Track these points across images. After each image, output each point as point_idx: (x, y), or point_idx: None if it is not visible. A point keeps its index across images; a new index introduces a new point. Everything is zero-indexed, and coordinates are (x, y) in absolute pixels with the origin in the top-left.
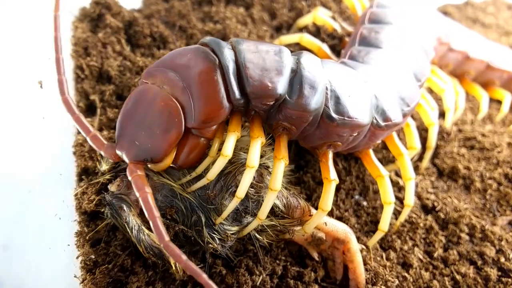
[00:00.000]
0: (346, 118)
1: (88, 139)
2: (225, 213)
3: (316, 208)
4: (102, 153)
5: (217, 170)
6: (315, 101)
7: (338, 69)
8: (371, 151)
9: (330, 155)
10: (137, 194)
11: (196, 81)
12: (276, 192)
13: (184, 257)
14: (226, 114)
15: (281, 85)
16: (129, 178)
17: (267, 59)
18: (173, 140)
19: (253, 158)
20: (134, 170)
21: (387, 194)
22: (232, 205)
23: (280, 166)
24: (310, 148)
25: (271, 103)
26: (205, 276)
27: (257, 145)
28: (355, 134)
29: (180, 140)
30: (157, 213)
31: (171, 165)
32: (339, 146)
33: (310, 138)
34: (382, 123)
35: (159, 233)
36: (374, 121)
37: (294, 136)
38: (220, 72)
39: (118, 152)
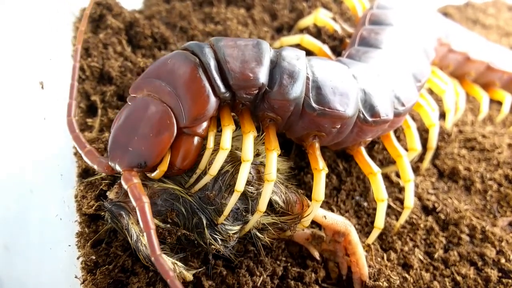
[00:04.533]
0: (326, 109)
1: (82, 154)
2: (227, 210)
3: None
4: (95, 167)
5: (219, 165)
6: (294, 90)
7: (325, 64)
8: (362, 149)
9: (317, 145)
10: (134, 204)
11: (181, 82)
12: (272, 182)
13: (171, 273)
14: (214, 109)
15: (262, 74)
16: (125, 187)
17: (246, 52)
18: (166, 142)
19: (247, 151)
20: (129, 179)
21: (380, 191)
22: (232, 200)
23: (273, 157)
24: (296, 139)
25: (255, 92)
26: None
27: (249, 139)
28: (338, 126)
29: (174, 143)
30: (152, 226)
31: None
32: (324, 138)
33: (295, 129)
34: (370, 119)
35: (152, 246)
36: (361, 115)
37: (280, 127)
38: (202, 69)
39: (110, 163)
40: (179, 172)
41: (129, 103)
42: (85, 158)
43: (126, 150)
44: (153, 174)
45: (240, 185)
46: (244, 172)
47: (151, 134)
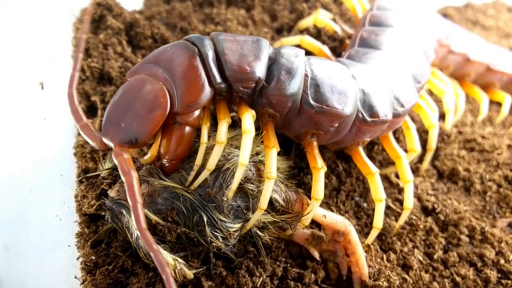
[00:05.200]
0: (324, 107)
1: (78, 127)
2: (234, 184)
3: None
4: (90, 141)
5: (216, 159)
6: (291, 86)
7: (324, 63)
8: (360, 149)
9: (315, 144)
10: (123, 178)
11: (178, 69)
12: (272, 180)
13: (155, 246)
14: (208, 98)
15: (259, 69)
16: (115, 161)
17: (245, 47)
18: (158, 119)
19: (247, 125)
20: (119, 153)
21: (378, 191)
22: (238, 175)
23: (273, 154)
24: (295, 137)
25: (252, 86)
26: (168, 271)
27: (248, 117)
28: (336, 125)
29: (166, 132)
30: (139, 200)
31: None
32: (322, 136)
33: (293, 126)
34: (369, 119)
35: (137, 219)
36: (360, 115)
37: (279, 124)
38: (200, 59)
39: (103, 138)
40: (173, 164)
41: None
42: (80, 132)
43: (119, 126)
44: (145, 158)
45: (245, 158)
46: (247, 144)
47: (143, 111)
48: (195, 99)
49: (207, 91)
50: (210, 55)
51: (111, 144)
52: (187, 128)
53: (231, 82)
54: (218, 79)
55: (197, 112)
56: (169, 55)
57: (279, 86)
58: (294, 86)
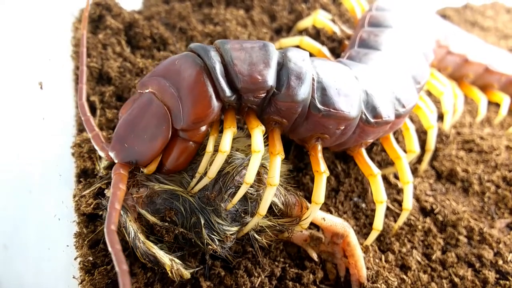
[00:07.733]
0: (331, 110)
1: (90, 136)
2: (236, 198)
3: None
4: (99, 151)
5: (217, 167)
6: (302, 91)
7: (328, 64)
8: (363, 150)
9: (319, 148)
10: (111, 189)
11: (184, 85)
12: (274, 187)
13: (118, 246)
14: (215, 114)
15: (270, 77)
16: (112, 174)
17: (253, 54)
18: (159, 147)
19: (257, 144)
20: (118, 169)
21: (379, 193)
22: (241, 191)
23: (277, 161)
24: (299, 141)
25: (263, 95)
26: (125, 267)
27: (257, 133)
28: (342, 128)
29: (169, 145)
30: (117, 207)
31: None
32: (327, 139)
33: (299, 131)
34: (372, 120)
35: (109, 220)
36: (363, 116)
37: (286, 130)
38: (206, 74)
39: (110, 152)
40: (169, 172)
41: (137, 97)
42: (92, 141)
43: (123, 145)
44: (144, 170)
45: (251, 177)
46: (256, 163)
47: (145, 136)
48: (201, 117)
49: (214, 107)
50: (218, 68)
51: (115, 160)
52: (191, 143)
53: (242, 94)
54: (228, 92)
55: (203, 129)
56: (177, 69)
57: (290, 92)
58: (305, 91)
